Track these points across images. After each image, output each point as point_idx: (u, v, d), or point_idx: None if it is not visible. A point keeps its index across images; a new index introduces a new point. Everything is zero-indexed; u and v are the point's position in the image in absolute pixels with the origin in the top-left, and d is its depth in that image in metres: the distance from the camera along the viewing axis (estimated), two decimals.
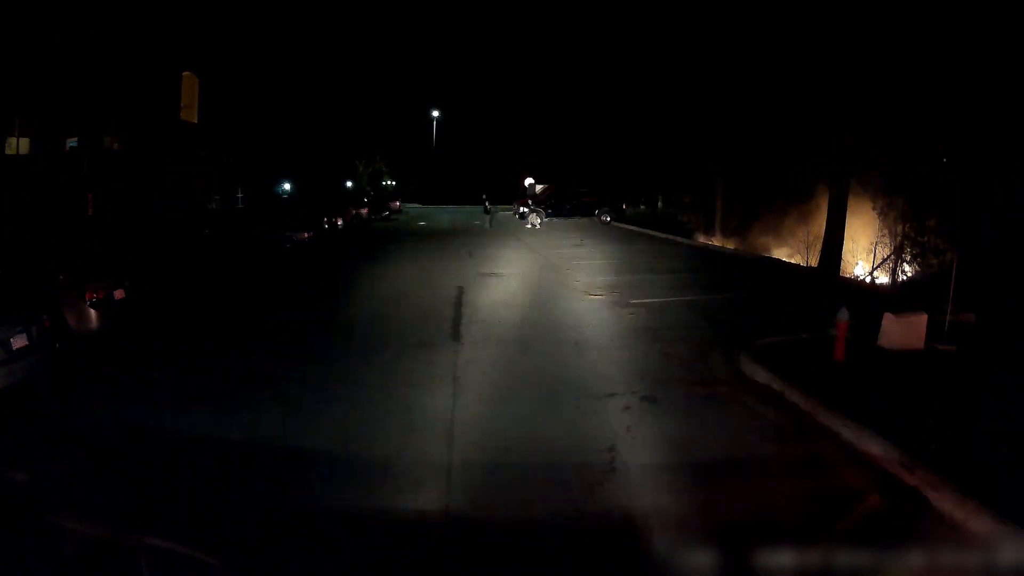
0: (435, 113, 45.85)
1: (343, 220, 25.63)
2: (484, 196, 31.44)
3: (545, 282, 12.10)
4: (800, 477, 4.14)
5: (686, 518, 3.58)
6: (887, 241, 13.18)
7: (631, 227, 26.08)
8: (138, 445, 4.57)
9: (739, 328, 7.93)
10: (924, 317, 6.63)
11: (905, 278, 12.41)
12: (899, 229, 12.67)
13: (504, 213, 32.11)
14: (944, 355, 6.41)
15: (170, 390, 5.81)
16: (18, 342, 5.49)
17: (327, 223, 23.02)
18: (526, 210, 26.92)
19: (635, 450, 4.48)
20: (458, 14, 58.37)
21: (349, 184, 45.97)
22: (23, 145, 16.83)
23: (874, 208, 13.16)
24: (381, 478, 4.08)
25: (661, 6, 27.38)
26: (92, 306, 7.24)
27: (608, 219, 27.39)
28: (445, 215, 34.40)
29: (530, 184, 33.98)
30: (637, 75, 31.34)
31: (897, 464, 4.06)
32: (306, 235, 19.42)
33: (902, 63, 13.66)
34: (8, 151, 16.47)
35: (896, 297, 10.60)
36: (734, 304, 9.91)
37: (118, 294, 7.78)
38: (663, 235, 22.58)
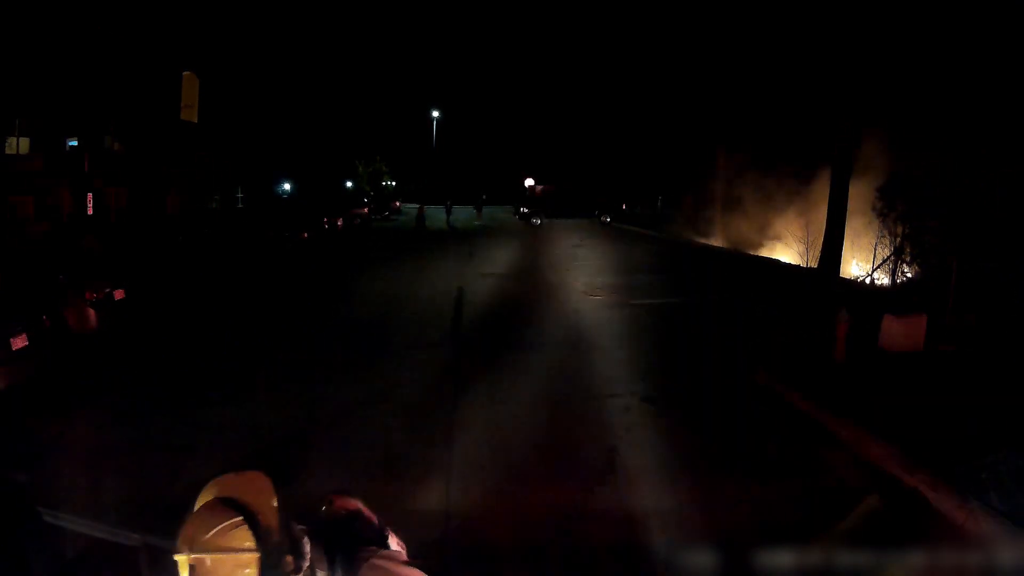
0: (435, 113, 45.80)
1: (343, 220, 25.65)
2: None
3: (545, 283, 12.10)
4: (800, 477, 4.14)
5: (686, 518, 3.58)
6: (887, 242, 13.16)
7: (631, 228, 26.10)
8: (138, 445, 4.57)
9: (739, 329, 7.95)
10: (924, 318, 6.63)
11: (905, 279, 12.39)
12: (899, 230, 12.65)
13: (504, 214, 32.21)
14: (944, 355, 6.41)
15: (169, 390, 5.81)
16: (18, 342, 5.50)
17: (327, 223, 23.05)
18: (527, 210, 26.98)
19: (635, 451, 4.48)
20: (458, 15, 58.46)
21: (349, 184, 45.90)
22: (23, 145, 16.81)
23: (874, 209, 13.16)
24: (381, 478, 4.07)
25: (661, 8, 27.46)
26: (92, 306, 7.24)
27: (608, 220, 27.44)
28: (445, 215, 34.38)
29: (530, 185, 34.00)
30: (638, 76, 31.39)
31: (897, 465, 4.06)
32: (305, 235, 19.46)
33: (903, 57, 13.64)
34: (8, 151, 16.45)
35: (896, 298, 10.59)
36: (733, 305, 9.91)
37: (118, 294, 7.81)
38: (663, 236, 22.59)
